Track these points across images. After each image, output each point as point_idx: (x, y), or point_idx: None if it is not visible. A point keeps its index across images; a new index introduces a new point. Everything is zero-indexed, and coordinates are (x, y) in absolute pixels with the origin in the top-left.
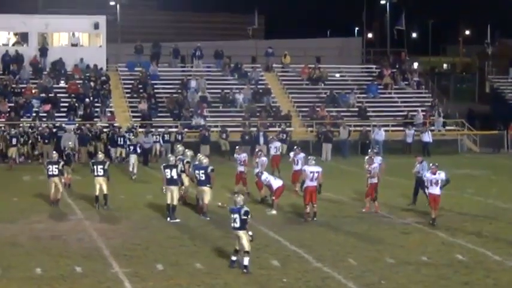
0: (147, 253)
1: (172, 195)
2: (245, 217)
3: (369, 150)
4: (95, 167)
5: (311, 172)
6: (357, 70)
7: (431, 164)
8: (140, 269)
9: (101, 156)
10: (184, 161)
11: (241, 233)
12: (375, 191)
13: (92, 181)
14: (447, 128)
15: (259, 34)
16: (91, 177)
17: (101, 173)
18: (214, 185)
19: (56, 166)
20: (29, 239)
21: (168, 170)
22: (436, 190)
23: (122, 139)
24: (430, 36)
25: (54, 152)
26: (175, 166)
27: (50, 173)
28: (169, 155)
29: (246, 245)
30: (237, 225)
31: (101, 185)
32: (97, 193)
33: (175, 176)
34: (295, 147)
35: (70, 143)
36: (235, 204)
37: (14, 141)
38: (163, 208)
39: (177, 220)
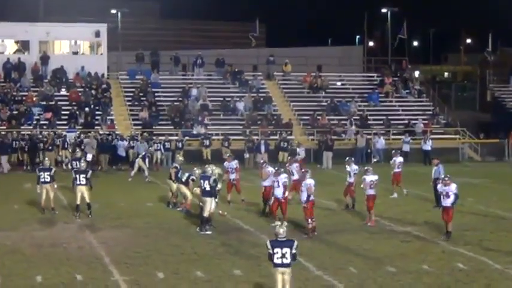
0: (148, 261)
1: (206, 206)
2: (295, 251)
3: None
4: (78, 176)
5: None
6: (358, 78)
7: (443, 176)
8: (141, 277)
9: (83, 165)
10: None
11: (288, 270)
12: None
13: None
14: (448, 136)
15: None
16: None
17: (83, 182)
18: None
19: (48, 173)
20: (30, 247)
21: (202, 181)
22: (447, 202)
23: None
24: (432, 44)
25: (46, 158)
26: (210, 177)
27: (42, 179)
28: (207, 166)
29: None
30: (287, 260)
31: (82, 193)
32: (78, 202)
33: (208, 188)
34: (289, 157)
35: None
36: (275, 236)
37: None
38: (164, 216)
39: (208, 232)
